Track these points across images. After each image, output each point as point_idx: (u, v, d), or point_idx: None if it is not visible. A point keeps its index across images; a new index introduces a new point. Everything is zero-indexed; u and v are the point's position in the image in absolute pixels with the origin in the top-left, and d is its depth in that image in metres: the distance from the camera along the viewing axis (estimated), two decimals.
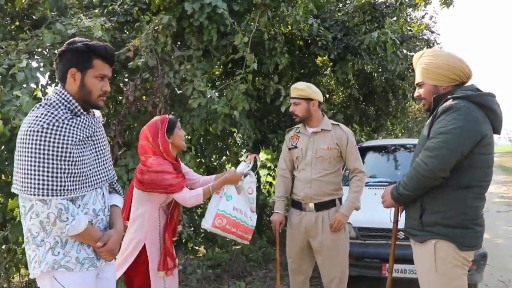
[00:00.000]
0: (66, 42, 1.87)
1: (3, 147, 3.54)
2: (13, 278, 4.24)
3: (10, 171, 3.50)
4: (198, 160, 5.22)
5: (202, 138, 5.04)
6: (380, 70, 6.47)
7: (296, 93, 3.09)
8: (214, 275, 4.69)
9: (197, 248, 5.49)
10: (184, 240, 5.34)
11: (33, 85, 3.56)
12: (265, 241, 5.68)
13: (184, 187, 2.52)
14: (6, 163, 3.52)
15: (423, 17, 7.74)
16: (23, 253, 3.96)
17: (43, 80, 3.77)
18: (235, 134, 5.62)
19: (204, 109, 4.19)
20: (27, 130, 1.69)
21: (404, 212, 2.39)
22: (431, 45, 7.41)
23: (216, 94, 4.58)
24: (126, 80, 4.48)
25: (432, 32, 7.79)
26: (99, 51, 1.85)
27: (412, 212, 2.21)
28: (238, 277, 4.72)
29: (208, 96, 4.09)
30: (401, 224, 2.48)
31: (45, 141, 1.68)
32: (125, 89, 4.16)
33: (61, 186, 1.70)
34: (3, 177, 3.71)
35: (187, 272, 4.62)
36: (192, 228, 5.62)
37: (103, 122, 2.07)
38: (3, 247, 3.73)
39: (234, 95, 4.27)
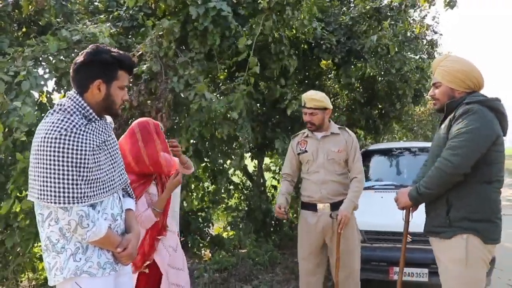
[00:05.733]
0: (87, 52, 1.80)
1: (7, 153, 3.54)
2: (21, 282, 4.25)
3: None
4: (203, 164, 5.22)
5: (208, 143, 5.04)
6: (383, 73, 6.45)
7: (314, 104, 3.15)
8: (221, 279, 4.68)
9: (199, 252, 5.49)
10: (190, 245, 5.34)
11: (36, 94, 3.55)
12: (271, 244, 5.66)
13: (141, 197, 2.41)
14: (11, 168, 3.52)
15: (424, 17, 7.72)
16: (28, 257, 3.97)
17: (49, 87, 3.80)
18: (240, 138, 5.61)
19: (205, 112, 4.16)
20: (44, 137, 1.65)
21: (415, 212, 2.54)
22: (435, 46, 7.45)
23: (219, 97, 4.56)
24: (131, 85, 4.49)
25: (435, 32, 7.79)
26: (124, 63, 1.84)
27: (437, 210, 2.30)
28: (245, 281, 4.70)
29: (209, 98, 4.06)
30: (412, 227, 2.53)
31: (63, 148, 1.64)
32: (129, 94, 4.16)
33: (81, 193, 1.67)
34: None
35: (194, 276, 4.61)
36: (198, 233, 5.64)
37: None
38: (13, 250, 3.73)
39: (235, 97, 4.27)
